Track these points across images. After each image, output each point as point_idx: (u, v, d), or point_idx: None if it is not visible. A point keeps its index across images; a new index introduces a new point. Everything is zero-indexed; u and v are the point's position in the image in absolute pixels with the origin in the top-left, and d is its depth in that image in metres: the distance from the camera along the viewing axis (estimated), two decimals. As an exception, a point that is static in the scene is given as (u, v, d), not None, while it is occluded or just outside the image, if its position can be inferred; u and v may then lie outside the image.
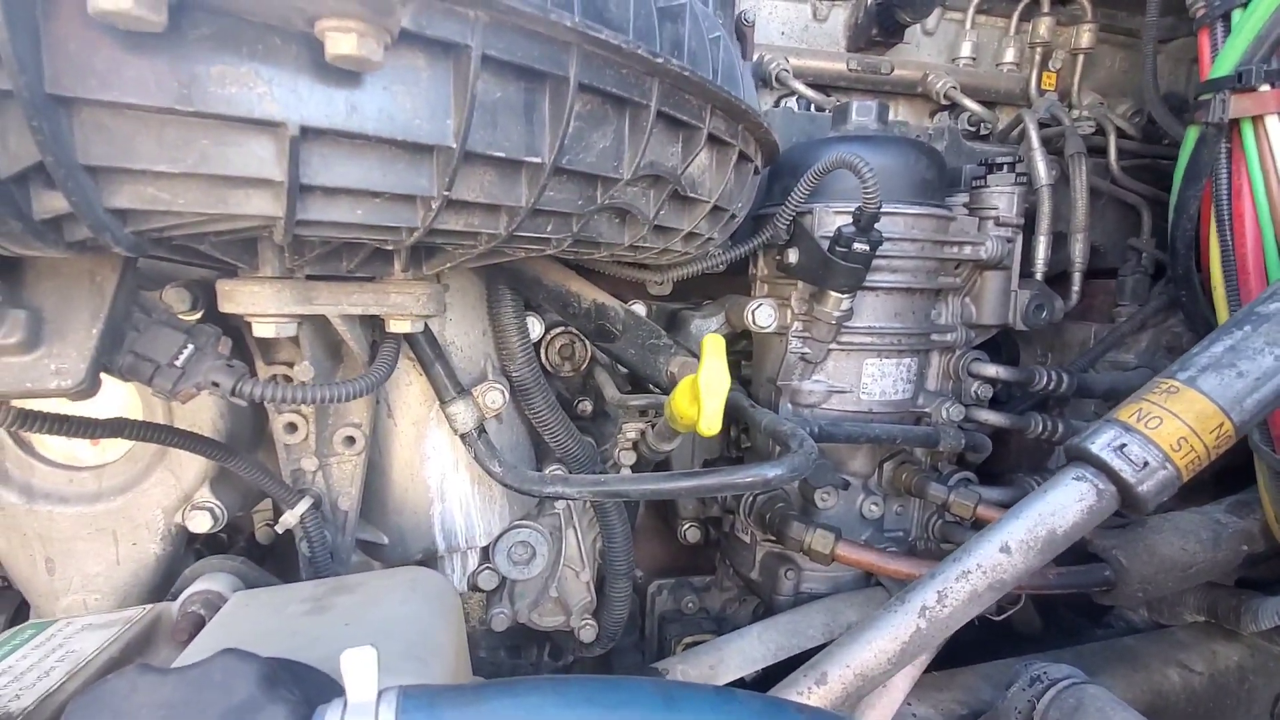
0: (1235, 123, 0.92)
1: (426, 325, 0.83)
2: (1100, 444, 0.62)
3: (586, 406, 1.22)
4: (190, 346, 0.57)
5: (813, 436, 0.98)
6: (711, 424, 0.68)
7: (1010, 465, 1.40)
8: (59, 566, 0.78)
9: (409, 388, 0.89)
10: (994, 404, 1.20)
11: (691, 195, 0.67)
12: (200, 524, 0.78)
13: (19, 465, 0.76)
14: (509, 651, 1.25)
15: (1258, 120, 0.90)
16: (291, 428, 0.81)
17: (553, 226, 0.58)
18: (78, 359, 0.51)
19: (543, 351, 1.17)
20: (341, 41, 0.36)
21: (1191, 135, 0.98)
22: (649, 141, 0.56)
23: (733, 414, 1.16)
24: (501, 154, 0.47)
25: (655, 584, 1.41)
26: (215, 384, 0.58)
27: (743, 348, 1.26)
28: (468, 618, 1.19)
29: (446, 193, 0.46)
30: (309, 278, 0.61)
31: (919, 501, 1.16)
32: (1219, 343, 0.65)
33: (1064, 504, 0.62)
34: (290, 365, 0.78)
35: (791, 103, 1.33)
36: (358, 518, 0.87)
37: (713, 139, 0.65)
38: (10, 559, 0.77)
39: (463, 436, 0.87)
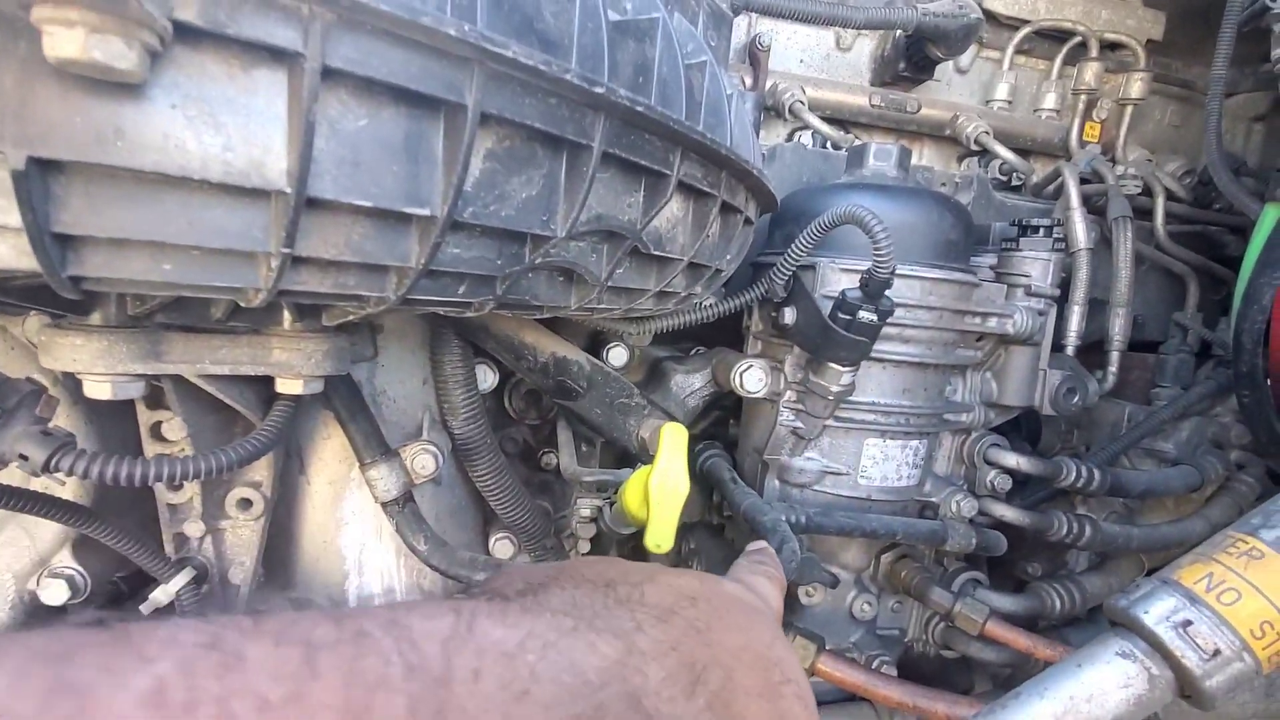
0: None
1: (349, 374, 0.71)
2: (1157, 615, 0.48)
3: (552, 459, 1.09)
4: (-9, 410, 0.45)
5: (800, 526, 0.85)
6: (659, 540, 0.55)
7: (1025, 553, 1.25)
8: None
9: (327, 441, 0.77)
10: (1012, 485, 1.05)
11: (658, 253, 0.54)
12: (55, 595, 0.66)
13: None
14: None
15: (1356, 200, 0.76)
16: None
17: (466, 289, 0.45)
18: None
19: (506, 397, 1.05)
20: (63, 40, 0.23)
21: (1271, 214, 0.84)
22: (591, 190, 0.43)
23: (712, 483, 1.03)
24: (368, 203, 0.34)
25: (619, 656, 1.27)
26: (24, 457, 0.46)
27: (732, 404, 1.12)
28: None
29: (286, 250, 0.34)
30: (164, 326, 0.49)
31: (918, 599, 1.01)
32: (1314, 491, 0.51)
33: (1104, 688, 0.48)
34: (180, 412, 0.66)
35: (806, 137, 1.21)
36: (251, 593, 0.74)
37: (686, 187, 0.52)
38: None
39: (384, 505, 0.74)
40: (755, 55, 1.13)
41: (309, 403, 0.71)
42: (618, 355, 1.00)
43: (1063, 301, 1.05)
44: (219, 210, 0.32)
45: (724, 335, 1.08)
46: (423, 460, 0.75)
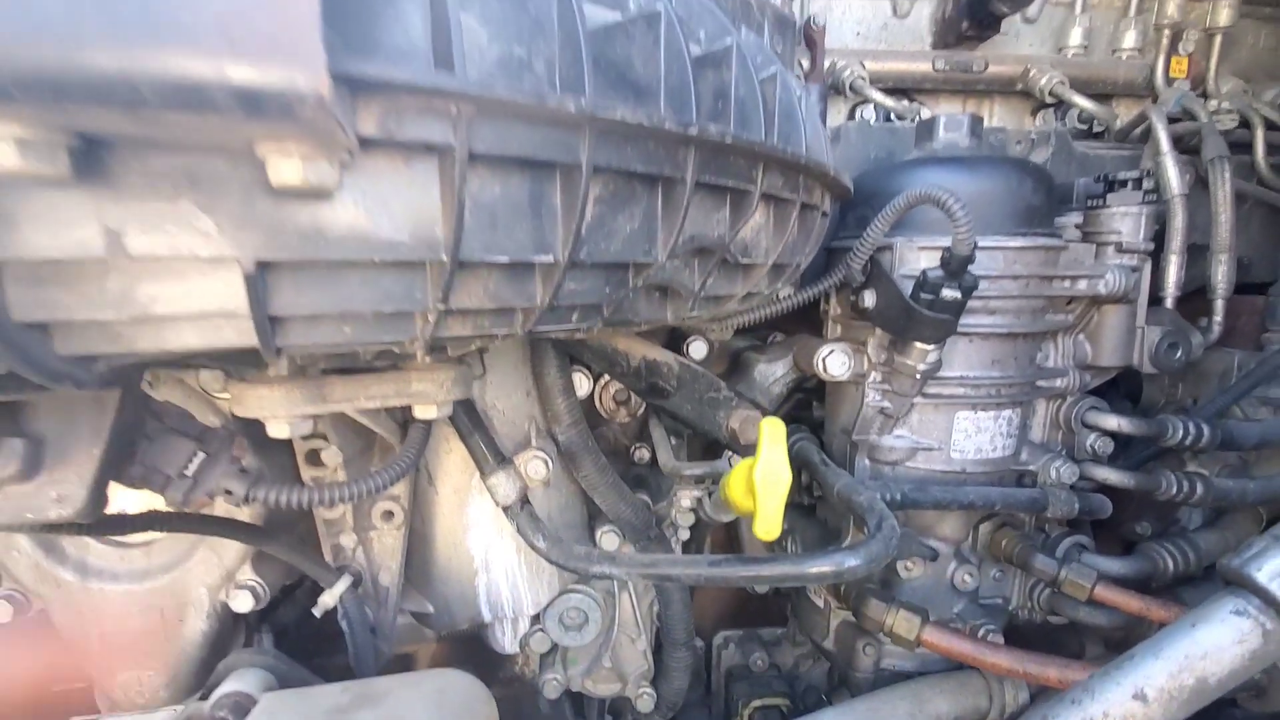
0: None
1: (464, 393, 0.78)
2: (1270, 572, 0.49)
3: (644, 454, 1.15)
4: (200, 455, 0.54)
5: (895, 503, 0.87)
6: (769, 529, 0.59)
7: (1129, 515, 1.22)
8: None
9: (449, 455, 0.85)
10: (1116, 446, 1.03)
11: (745, 261, 0.58)
12: (242, 604, 0.76)
13: (74, 543, 0.76)
14: (572, 707, 1.20)
15: None
16: (329, 503, 0.78)
17: (579, 316, 0.50)
18: (78, 484, 0.48)
19: (596, 398, 1.10)
20: (285, 169, 0.29)
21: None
22: (687, 217, 0.47)
23: (803, 466, 1.06)
24: (505, 258, 0.40)
25: (721, 635, 1.33)
26: (228, 491, 0.55)
27: (814, 386, 1.14)
28: (523, 675, 1.14)
29: (442, 306, 0.40)
30: (325, 372, 0.57)
31: (1022, 567, 1.01)
32: None
33: (1219, 645, 0.49)
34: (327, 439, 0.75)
35: (868, 112, 1.20)
36: (399, 592, 0.83)
37: (768, 197, 0.55)
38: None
39: (505, 509, 0.81)
40: (811, 37, 1.13)
41: (421, 440, 0.77)
42: (698, 349, 1.04)
43: (1158, 252, 1.01)
44: (388, 280, 0.38)
45: (800, 321, 1.10)
46: (535, 466, 0.82)
